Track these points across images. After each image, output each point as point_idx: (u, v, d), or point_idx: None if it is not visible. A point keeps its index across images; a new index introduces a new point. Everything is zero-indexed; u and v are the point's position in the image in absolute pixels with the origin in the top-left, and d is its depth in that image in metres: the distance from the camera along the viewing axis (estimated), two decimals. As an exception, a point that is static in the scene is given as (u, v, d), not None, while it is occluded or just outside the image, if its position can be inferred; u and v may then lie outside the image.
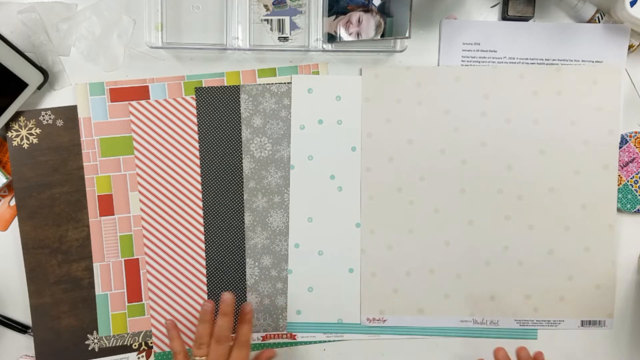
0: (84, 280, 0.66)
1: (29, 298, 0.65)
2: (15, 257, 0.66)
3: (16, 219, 0.66)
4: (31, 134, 0.65)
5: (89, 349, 0.66)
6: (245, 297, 0.67)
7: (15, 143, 0.65)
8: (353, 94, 0.66)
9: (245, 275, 0.67)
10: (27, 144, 0.65)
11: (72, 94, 0.65)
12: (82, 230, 0.66)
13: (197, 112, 0.66)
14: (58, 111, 0.65)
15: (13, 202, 0.66)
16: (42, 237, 0.65)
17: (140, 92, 0.66)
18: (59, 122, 0.65)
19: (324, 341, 0.68)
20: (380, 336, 0.67)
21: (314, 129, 0.66)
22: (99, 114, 0.65)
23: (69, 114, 0.65)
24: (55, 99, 0.66)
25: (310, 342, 0.67)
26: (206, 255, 0.67)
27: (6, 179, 0.64)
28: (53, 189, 0.65)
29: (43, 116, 0.65)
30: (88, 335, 0.66)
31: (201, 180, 0.66)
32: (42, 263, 0.65)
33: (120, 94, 0.65)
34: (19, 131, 0.65)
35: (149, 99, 0.66)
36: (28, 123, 0.65)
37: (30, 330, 0.66)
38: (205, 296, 0.66)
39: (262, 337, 0.67)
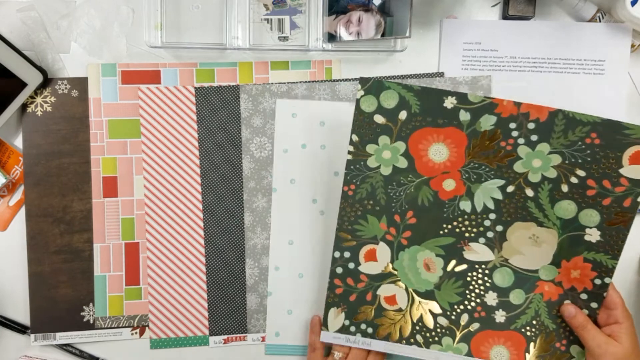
0: (85, 252, 0.66)
1: (27, 265, 0.65)
2: (16, 257, 0.66)
3: (16, 216, 0.66)
4: (46, 102, 0.65)
5: (84, 320, 0.66)
6: (245, 297, 0.67)
7: (29, 109, 0.65)
8: (337, 119, 0.66)
9: (245, 275, 0.67)
10: (40, 111, 0.65)
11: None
12: (86, 202, 0.66)
13: (196, 112, 0.66)
14: (74, 82, 0.66)
15: (13, 202, 0.66)
16: (47, 206, 0.65)
17: (151, 76, 0.66)
18: (74, 93, 0.65)
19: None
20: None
21: (297, 153, 0.66)
22: (109, 95, 0.66)
23: (85, 85, 0.66)
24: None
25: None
26: (206, 256, 0.67)
27: (6, 179, 0.64)
28: (62, 159, 0.66)
29: (59, 85, 0.65)
30: (84, 306, 0.66)
31: (201, 180, 0.66)
32: (44, 231, 0.65)
33: (131, 77, 0.66)
34: (34, 98, 0.65)
35: (160, 83, 0.66)
36: (44, 91, 0.65)
37: (29, 331, 0.66)
38: (204, 286, 0.66)
39: (262, 337, 0.67)
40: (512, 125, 0.56)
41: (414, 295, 0.61)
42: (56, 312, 0.66)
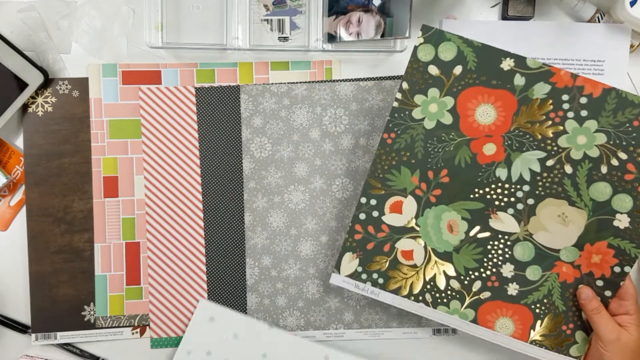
0: (85, 252, 0.66)
1: (28, 265, 0.65)
2: (16, 257, 0.66)
3: (17, 216, 0.66)
4: (47, 102, 0.65)
5: (85, 320, 0.66)
6: (246, 296, 0.67)
7: (30, 110, 0.65)
8: (252, 337, 0.65)
9: (245, 275, 0.67)
10: (41, 111, 0.65)
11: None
12: (87, 202, 0.66)
13: (197, 112, 0.66)
14: (75, 82, 0.66)
15: (13, 202, 0.66)
16: (47, 206, 0.66)
17: (152, 77, 0.66)
18: (75, 93, 0.65)
19: (323, 341, 0.68)
20: (381, 336, 0.67)
21: (200, 358, 0.65)
22: (109, 96, 0.66)
23: (86, 85, 0.66)
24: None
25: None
26: (206, 255, 0.67)
27: (6, 178, 0.64)
28: (63, 159, 0.66)
29: (60, 85, 0.65)
30: (85, 306, 0.66)
31: (201, 180, 0.67)
32: (44, 231, 0.66)
33: (132, 77, 0.66)
34: (35, 98, 0.65)
35: (161, 84, 0.66)
36: (45, 91, 0.65)
37: (30, 330, 0.66)
38: (205, 285, 0.67)
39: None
40: (565, 97, 0.56)
41: (432, 253, 0.61)
42: (57, 311, 0.66)
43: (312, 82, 0.67)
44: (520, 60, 0.56)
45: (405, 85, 0.58)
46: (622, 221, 0.57)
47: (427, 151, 0.59)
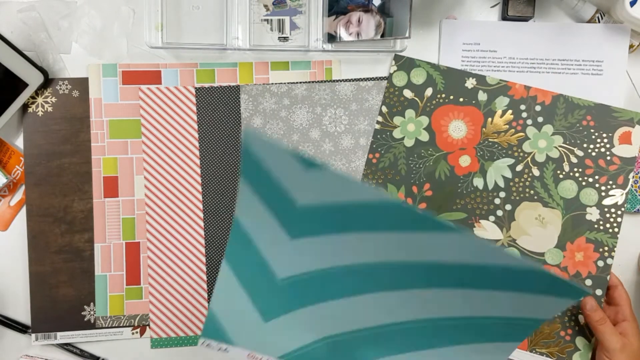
0: (86, 252, 0.66)
1: (28, 265, 0.65)
2: (17, 257, 0.66)
3: (17, 216, 0.66)
4: (47, 102, 0.65)
5: (85, 320, 0.66)
6: (245, 296, 0.67)
7: (30, 110, 0.65)
8: None
9: (245, 275, 0.67)
10: (41, 111, 0.65)
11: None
12: (87, 202, 0.66)
13: (197, 112, 0.66)
14: (75, 82, 0.66)
15: (13, 202, 0.66)
16: (47, 206, 0.66)
17: (152, 77, 0.66)
18: (75, 93, 0.65)
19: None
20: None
21: None
22: (109, 96, 0.66)
23: (86, 85, 0.66)
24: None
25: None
26: (206, 255, 0.67)
27: (6, 178, 0.64)
28: (63, 159, 0.66)
29: (60, 85, 0.65)
30: (85, 306, 0.66)
31: (201, 180, 0.67)
32: (44, 231, 0.66)
33: (132, 77, 0.66)
34: (35, 98, 0.65)
35: (161, 84, 0.66)
36: (45, 91, 0.65)
37: (30, 330, 0.66)
38: (205, 285, 0.67)
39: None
40: (522, 107, 0.63)
41: None
42: (57, 311, 0.66)
43: (312, 82, 0.67)
44: (480, 79, 0.64)
45: (384, 109, 0.64)
46: (592, 214, 0.62)
47: (410, 167, 0.64)
